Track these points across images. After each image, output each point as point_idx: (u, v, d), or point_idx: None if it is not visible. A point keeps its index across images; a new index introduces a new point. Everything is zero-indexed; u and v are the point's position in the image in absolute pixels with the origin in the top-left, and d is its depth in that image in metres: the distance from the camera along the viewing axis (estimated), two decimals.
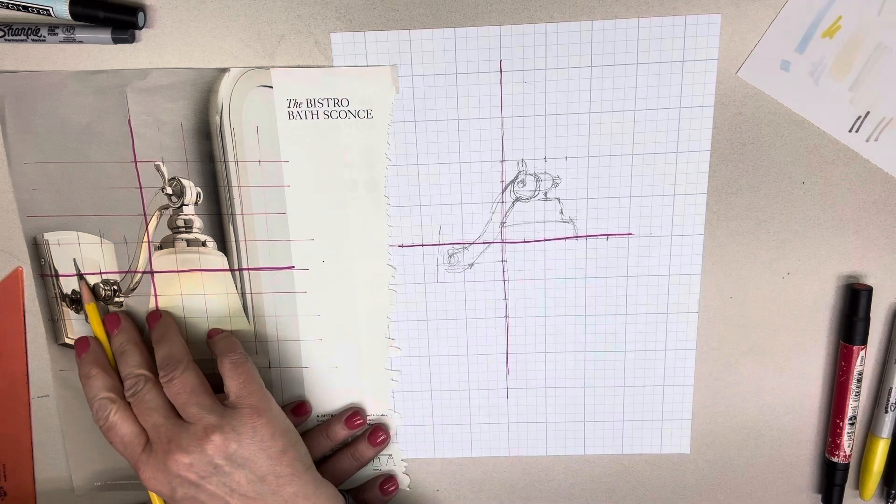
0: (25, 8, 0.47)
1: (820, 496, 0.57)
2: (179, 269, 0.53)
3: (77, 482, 0.58)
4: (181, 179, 0.51)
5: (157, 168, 0.51)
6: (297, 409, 0.55)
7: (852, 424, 0.54)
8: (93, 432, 0.57)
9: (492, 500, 0.59)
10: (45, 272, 0.53)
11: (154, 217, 0.52)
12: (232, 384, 0.49)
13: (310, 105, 0.49)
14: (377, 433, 0.55)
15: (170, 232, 0.52)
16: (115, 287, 0.53)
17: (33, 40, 0.48)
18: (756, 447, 0.56)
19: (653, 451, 0.57)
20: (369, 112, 0.50)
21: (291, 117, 0.50)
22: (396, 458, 0.57)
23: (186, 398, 0.48)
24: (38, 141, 0.50)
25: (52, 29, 0.47)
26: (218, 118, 0.50)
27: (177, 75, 0.49)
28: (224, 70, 0.49)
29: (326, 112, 0.50)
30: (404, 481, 0.58)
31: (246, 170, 0.51)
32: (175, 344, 0.51)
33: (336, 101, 0.49)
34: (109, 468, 0.58)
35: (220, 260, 0.53)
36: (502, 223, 0.52)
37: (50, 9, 0.47)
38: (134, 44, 0.49)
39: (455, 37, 0.48)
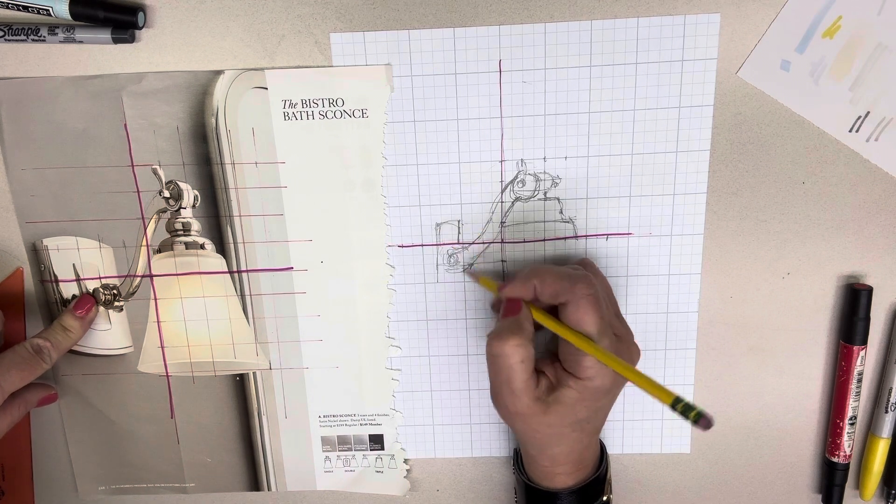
0: (25, 8, 0.47)
1: (820, 496, 0.57)
2: (178, 272, 0.53)
3: (82, 487, 0.59)
4: (178, 182, 0.51)
5: (154, 171, 0.51)
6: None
7: (852, 424, 0.54)
8: (97, 437, 0.57)
9: (492, 500, 0.59)
10: (44, 278, 0.53)
11: (152, 221, 0.52)
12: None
13: (305, 106, 0.49)
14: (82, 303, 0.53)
15: (168, 235, 0.52)
16: (115, 291, 0.53)
17: (33, 40, 0.48)
18: (756, 447, 0.56)
19: (653, 451, 0.57)
20: (364, 111, 0.49)
21: (287, 118, 0.50)
22: (398, 459, 0.57)
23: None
24: (35, 147, 0.50)
25: (52, 29, 0.47)
26: (214, 120, 0.50)
27: (171, 78, 0.49)
28: (219, 72, 0.49)
29: (322, 112, 0.49)
30: (405, 485, 0.58)
31: (243, 171, 0.51)
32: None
33: (331, 101, 0.49)
34: (114, 473, 0.58)
35: (218, 262, 0.53)
36: (502, 223, 0.52)
37: (50, 9, 0.47)
38: (134, 44, 0.48)
39: (454, 37, 0.48)
